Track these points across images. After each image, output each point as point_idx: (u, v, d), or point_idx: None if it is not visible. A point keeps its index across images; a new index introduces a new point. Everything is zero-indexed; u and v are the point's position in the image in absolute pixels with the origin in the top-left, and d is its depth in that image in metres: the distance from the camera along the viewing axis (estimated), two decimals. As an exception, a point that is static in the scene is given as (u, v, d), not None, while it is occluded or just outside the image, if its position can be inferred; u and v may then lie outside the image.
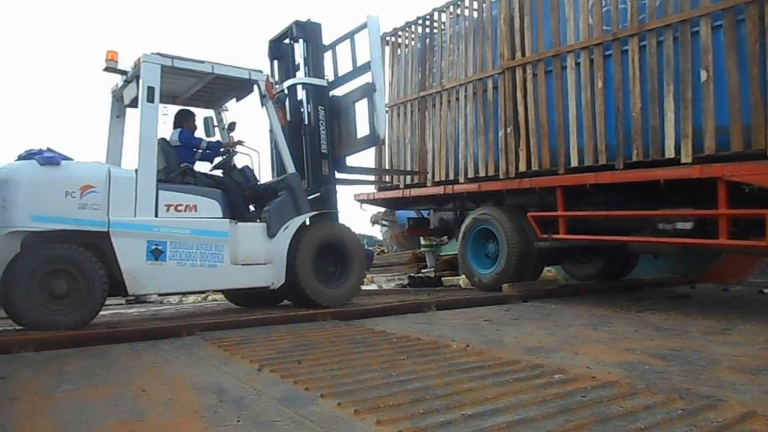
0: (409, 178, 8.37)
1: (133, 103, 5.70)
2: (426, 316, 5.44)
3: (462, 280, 8.08)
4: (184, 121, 6.20)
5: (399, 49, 8.70)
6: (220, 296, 8.68)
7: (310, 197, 6.13)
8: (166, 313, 6.34)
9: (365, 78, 6.57)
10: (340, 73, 6.82)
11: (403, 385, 2.89)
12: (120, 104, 6.08)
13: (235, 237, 5.58)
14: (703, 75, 5.00)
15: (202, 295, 8.77)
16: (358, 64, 6.58)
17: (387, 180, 8.69)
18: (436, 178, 7.83)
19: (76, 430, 2.42)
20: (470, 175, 7.34)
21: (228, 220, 5.59)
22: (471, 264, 7.38)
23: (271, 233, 5.79)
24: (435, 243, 11.28)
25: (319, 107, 6.41)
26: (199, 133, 6.33)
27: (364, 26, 6.45)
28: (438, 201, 8.45)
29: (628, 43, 5.56)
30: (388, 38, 8.67)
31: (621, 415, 2.38)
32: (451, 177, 7.62)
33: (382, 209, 12.66)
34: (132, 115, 6.09)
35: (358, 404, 2.55)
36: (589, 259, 8.36)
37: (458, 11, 7.68)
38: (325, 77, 6.63)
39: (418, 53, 8.35)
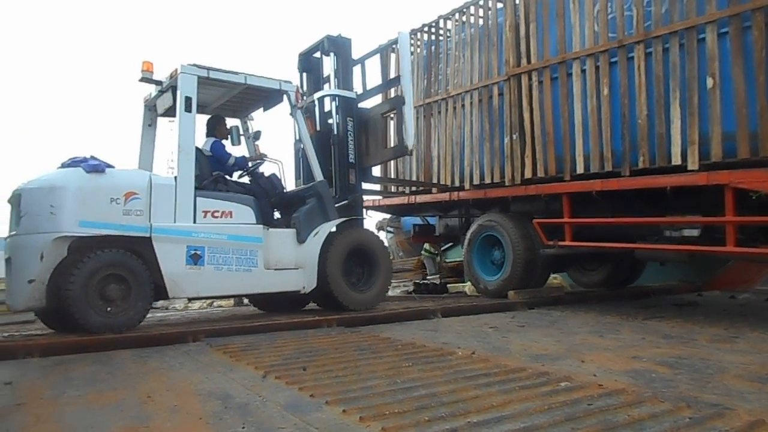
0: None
1: (168, 113, 5.87)
2: (431, 323, 5.43)
3: (467, 287, 8.06)
4: (216, 128, 6.35)
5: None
6: (225, 302, 8.70)
7: (337, 205, 6.27)
8: (172, 320, 6.35)
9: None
10: (368, 86, 7.08)
11: (409, 392, 2.88)
12: (152, 113, 6.25)
13: (267, 242, 5.72)
14: (710, 82, 4.99)
15: (208, 302, 8.78)
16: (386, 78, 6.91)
17: (393, 186, 8.73)
18: (442, 185, 7.84)
19: (82, 435, 2.42)
20: (476, 181, 7.34)
21: (261, 226, 5.73)
22: (476, 271, 7.36)
23: (301, 239, 5.94)
24: (435, 252, 11.28)
25: (348, 118, 6.57)
26: (226, 141, 6.46)
27: (394, 42, 6.78)
28: (443, 207, 8.45)
29: (634, 50, 5.56)
30: (393, 46, 8.69)
31: (628, 423, 2.36)
32: (457, 183, 7.62)
33: (388, 216, 12.67)
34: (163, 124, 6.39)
35: (363, 411, 2.55)
36: (596, 266, 8.33)
37: (464, 18, 7.70)
38: (354, 90, 6.82)
39: (423, 60, 8.37)
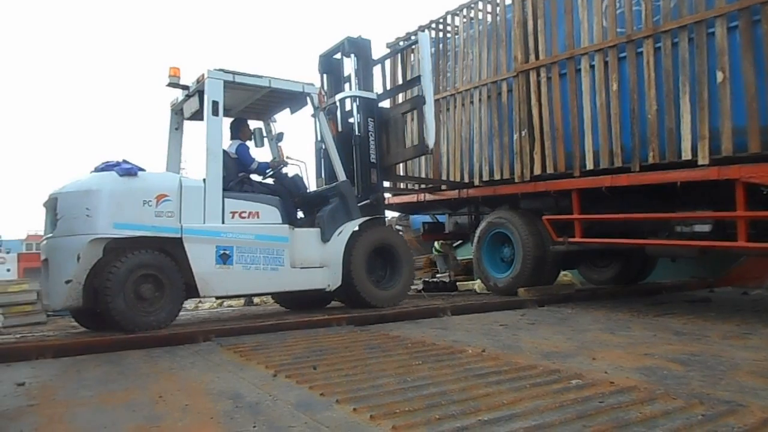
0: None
1: (195, 116, 6.01)
2: (441, 321, 5.43)
3: (477, 284, 8.05)
4: (240, 130, 6.46)
5: (412, 54, 8.71)
6: (235, 302, 8.74)
7: (359, 204, 6.38)
8: (182, 320, 6.37)
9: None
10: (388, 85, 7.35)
11: (419, 390, 2.87)
12: (179, 117, 6.38)
13: (293, 242, 5.84)
14: (719, 76, 4.95)
15: (218, 301, 8.82)
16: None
17: (402, 184, 8.72)
18: (455, 182, 7.81)
19: (94, 435, 2.43)
20: (485, 178, 7.32)
21: (287, 225, 5.85)
22: (486, 268, 7.35)
23: (325, 238, 6.08)
24: (444, 250, 11.24)
25: (369, 119, 6.70)
26: (250, 143, 6.57)
27: (414, 42, 7.01)
28: (453, 205, 8.43)
29: (643, 45, 5.52)
30: (400, 43, 8.68)
31: (640, 420, 2.35)
32: (466, 180, 7.60)
33: (397, 214, 12.66)
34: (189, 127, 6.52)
35: (373, 410, 2.54)
36: (606, 262, 8.29)
37: (471, 14, 7.68)
38: (374, 90, 6.94)
39: (431, 57, 8.35)
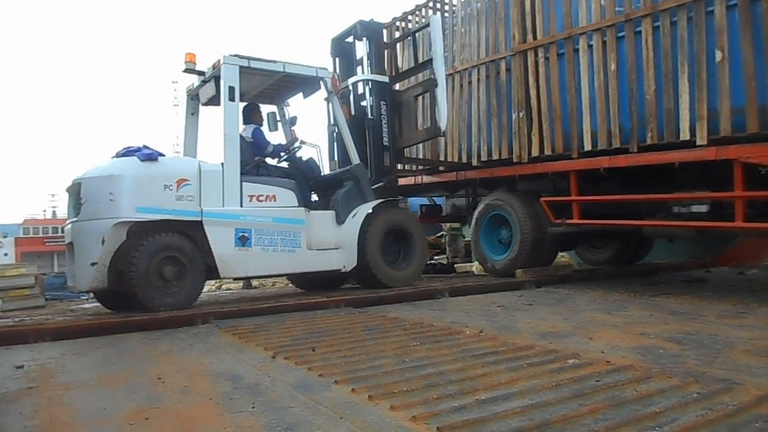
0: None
1: (211, 102, 6.12)
2: (439, 302, 5.45)
3: (475, 266, 8.06)
4: (252, 115, 6.55)
5: (410, 41, 8.61)
6: (234, 285, 8.77)
7: (373, 187, 6.49)
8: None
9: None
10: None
11: (417, 370, 2.89)
12: (195, 102, 6.51)
13: (309, 224, 5.96)
14: (718, 55, 4.92)
15: (217, 284, 8.85)
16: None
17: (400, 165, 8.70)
18: (456, 163, 7.78)
19: (94, 417, 2.44)
20: (483, 158, 7.28)
21: (303, 208, 5.96)
22: (484, 250, 7.35)
23: (340, 220, 6.19)
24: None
25: (382, 102, 6.77)
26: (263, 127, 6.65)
27: (426, 25, 7.07)
28: (450, 187, 8.42)
29: (642, 24, 5.47)
30: (397, 23, 8.60)
31: (636, 399, 2.37)
32: (464, 160, 7.57)
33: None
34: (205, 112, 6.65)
35: (371, 390, 2.56)
36: (603, 243, 8.31)
37: (469, -8, 7.59)
38: (386, 72, 7.06)
39: (428, 37, 8.27)
